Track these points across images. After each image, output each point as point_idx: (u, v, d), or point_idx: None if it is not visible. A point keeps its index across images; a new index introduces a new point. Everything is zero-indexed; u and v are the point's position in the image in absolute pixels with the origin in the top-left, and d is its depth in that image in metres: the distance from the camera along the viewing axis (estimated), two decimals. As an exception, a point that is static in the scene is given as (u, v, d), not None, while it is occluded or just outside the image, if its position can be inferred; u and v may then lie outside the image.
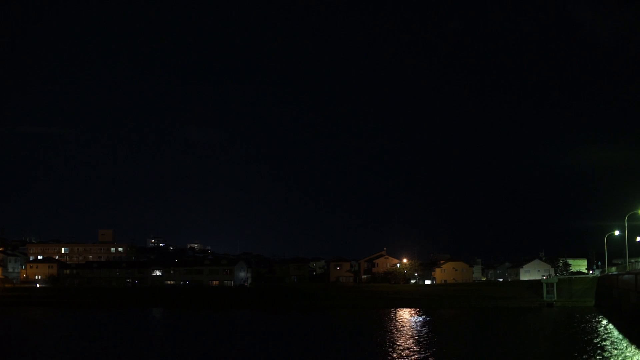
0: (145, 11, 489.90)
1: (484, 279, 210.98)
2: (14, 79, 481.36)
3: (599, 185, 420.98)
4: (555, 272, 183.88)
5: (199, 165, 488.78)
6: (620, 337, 78.15)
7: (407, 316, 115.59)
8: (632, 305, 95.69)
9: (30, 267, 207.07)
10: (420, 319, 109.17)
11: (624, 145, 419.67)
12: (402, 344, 71.33)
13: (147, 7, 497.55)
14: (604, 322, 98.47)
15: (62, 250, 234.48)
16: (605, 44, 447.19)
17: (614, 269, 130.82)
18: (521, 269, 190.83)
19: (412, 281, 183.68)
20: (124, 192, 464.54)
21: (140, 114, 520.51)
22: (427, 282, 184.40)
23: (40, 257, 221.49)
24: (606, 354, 63.05)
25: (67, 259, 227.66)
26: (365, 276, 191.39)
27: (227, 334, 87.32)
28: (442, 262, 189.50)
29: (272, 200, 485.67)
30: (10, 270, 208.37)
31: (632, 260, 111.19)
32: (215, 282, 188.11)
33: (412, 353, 64.17)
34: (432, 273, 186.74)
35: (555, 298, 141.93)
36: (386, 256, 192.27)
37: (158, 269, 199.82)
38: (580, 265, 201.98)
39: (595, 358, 60.84)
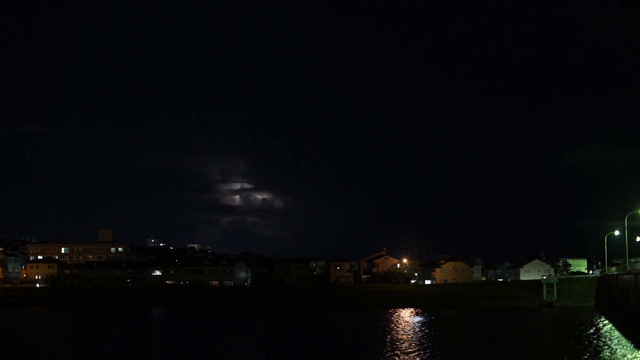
0: (147, 10, 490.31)
1: (484, 279, 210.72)
2: (14, 79, 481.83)
3: (598, 185, 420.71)
4: (555, 272, 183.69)
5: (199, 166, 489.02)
6: (620, 337, 78.14)
7: (407, 316, 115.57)
8: (632, 305, 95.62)
9: (30, 267, 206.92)
10: (420, 319, 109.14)
11: (624, 145, 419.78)
12: (402, 344, 71.32)
13: (148, 7, 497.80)
14: (604, 322, 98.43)
15: (62, 250, 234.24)
16: (606, 44, 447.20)
17: (614, 269, 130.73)
18: (521, 269, 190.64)
19: (412, 281, 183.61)
20: (124, 192, 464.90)
21: (141, 114, 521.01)
22: (427, 282, 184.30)
23: (40, 257, 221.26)
24: (606, 354, 63.05)
25: (67, 259, 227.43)
26: (365, 276, 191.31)
27: (227, 334, 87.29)
28: (442, 262, 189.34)
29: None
30: (10, 270, 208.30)
31: (632, 260, 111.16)
32: (215, 282, 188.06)
33: (412, 353, 64.16)
34: (432, 273, 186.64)
35: (555, 298, 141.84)
36: (386, 256, 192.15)
37: (158, 269, 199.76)
38: (580, 265, 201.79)
39: (595, 358, 60.84)
